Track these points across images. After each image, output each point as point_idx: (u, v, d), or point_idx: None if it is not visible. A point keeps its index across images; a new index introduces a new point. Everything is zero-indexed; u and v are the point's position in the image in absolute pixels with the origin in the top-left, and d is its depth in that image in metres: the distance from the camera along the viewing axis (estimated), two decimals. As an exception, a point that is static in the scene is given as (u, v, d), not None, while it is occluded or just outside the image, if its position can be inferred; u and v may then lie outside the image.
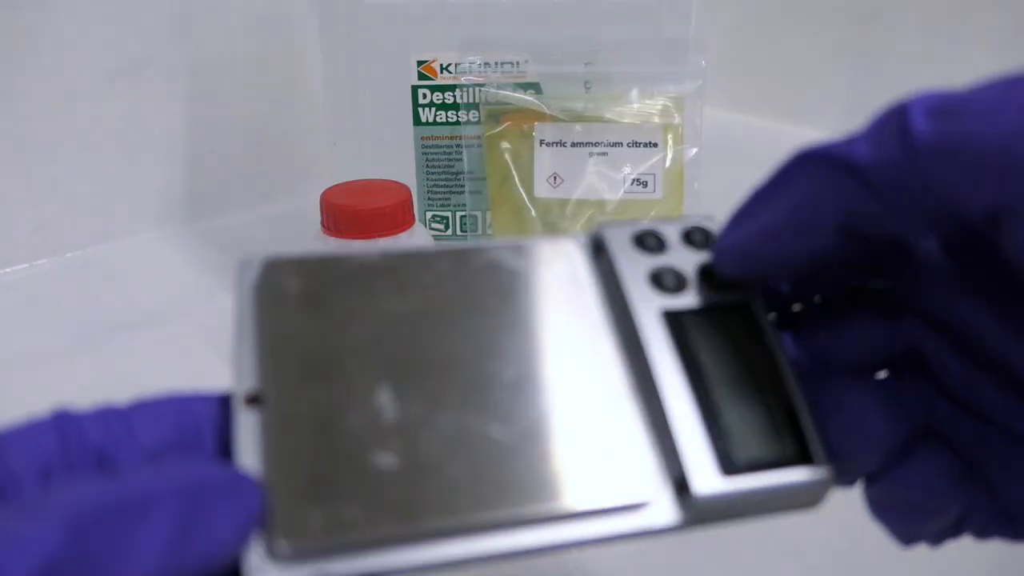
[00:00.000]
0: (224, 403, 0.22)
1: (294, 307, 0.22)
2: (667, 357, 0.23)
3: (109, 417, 0.21)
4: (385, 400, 0.21)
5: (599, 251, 0.25)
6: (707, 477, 0.21)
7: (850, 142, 0.21)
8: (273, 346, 0.22)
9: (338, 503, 0.20)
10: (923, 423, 0.24)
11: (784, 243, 0.22)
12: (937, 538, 0.25)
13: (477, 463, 0.21)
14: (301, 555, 0.19)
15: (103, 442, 0.21)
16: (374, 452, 0.20)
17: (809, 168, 0.22)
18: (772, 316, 0.25)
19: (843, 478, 0.24)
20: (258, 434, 0.21)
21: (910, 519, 0.25)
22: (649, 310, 0.24)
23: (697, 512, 0.21)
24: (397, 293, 0.23)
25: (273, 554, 0.19)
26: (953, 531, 0.25)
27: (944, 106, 0.20)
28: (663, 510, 0.21)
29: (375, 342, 0.22)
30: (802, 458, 0.22)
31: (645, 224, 0.26)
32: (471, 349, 0.22)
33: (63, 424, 0.21)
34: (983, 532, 0.25)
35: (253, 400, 0.21)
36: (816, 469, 0.22)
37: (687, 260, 0.25)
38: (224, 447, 0.22)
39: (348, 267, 0.23)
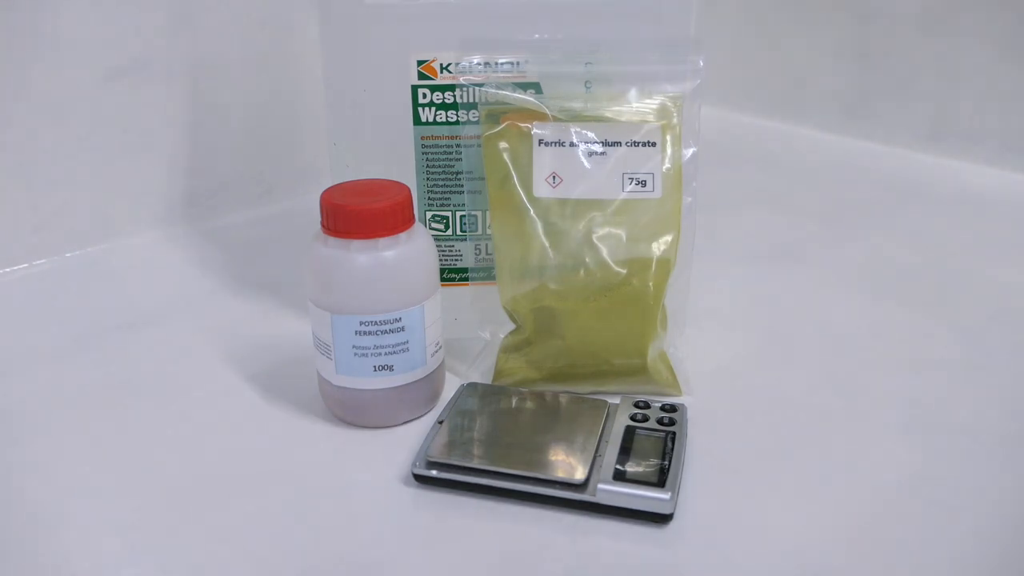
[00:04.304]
0: None
1: (472, 404, 0.54)
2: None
3: None
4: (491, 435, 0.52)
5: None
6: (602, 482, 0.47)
7: None
8: (455, 410, 0.53)
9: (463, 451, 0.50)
10: None
11: None
12: None
13: (526, 456, 0.49)
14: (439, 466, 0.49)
15: None
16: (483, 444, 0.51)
17: None
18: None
19: None
20: (438, 430, 0.51)
21: None
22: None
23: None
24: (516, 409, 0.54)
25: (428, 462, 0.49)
26: None
27: None
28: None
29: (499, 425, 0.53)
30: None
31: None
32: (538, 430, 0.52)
33: None
34: None
35: (440, 422, 0.52)
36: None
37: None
38: None
39: (502, 393, 0.55)
